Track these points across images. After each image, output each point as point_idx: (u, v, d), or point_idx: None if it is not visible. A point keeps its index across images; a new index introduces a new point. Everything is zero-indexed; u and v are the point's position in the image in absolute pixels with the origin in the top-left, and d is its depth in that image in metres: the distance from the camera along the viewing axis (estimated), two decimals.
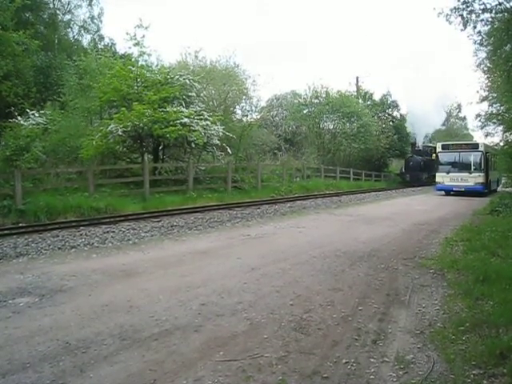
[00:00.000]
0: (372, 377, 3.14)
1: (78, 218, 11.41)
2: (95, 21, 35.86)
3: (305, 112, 32.72)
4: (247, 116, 26.74)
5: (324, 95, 33.15)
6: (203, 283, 5.37)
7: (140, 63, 19.67)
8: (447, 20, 10.29)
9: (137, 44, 18.69)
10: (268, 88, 70.32)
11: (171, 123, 15.87)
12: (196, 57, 26.27)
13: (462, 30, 10.35)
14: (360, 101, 36.34)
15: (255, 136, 24.85)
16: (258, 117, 28.96)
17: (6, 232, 9.09)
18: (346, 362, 3.33)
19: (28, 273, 5.97)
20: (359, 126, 31.54)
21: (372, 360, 3.38)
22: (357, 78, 38.61)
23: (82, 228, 9.59)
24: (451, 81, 78.23)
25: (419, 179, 31.00)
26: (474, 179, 21.55)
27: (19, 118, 18.96)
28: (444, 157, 23.02)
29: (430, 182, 28.41)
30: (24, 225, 10.36)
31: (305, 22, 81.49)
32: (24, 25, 21.65)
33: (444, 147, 23.52)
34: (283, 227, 10.18)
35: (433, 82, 57.93)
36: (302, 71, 71.68)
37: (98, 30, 36.81)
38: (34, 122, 18.44)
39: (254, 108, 28.51)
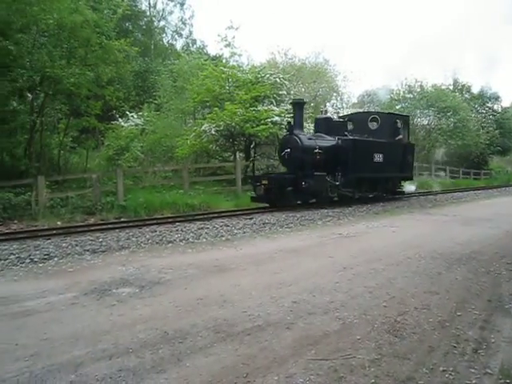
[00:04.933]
0: None
1: (173, 214, 11.98)
2: (187, 25, 37.27)
3: (397, 108, 31.62)
4: (338, 113, 26.36)
5: (418, 89, 31.80)
6: (295, 281, 5.38)
7: (231, 63, 20.15)
8: None
9: (228, 45, 19.19)
10: (360, 84, 68.91)
11: (262, 122, 16.14)
12: (285, 55, 26.40)
13: None
14: (457, 94, 34.38)
15: None
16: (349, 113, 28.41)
17: (109, 226, 9.75)
18: (444, 371, 3.16)
19: (129, 265, 6.35)
20: (456, 122, 29.89)
21: (472, 370, 3.17)
22: (453, 71, 36.57)
23: (177, 224, 10.01)
24: None
25: None
26: None
27: (120, 120, 20.27)
28: None
29: None
30: (125, 220, 11.08)
31: (396, 15, 78.57)
32: (124, 33, 23.15)
33: None
34: (376, 226, 9.91)
35: None
36: (392, 65, 69.14)
37: (190, 34, 38.30)
38: (132, 124, 19.64)
39: (344, 105, 28.12)
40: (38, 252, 7.27)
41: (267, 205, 13.21)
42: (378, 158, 15.07)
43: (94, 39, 15.49)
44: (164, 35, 37.56)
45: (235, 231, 9.34)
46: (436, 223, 10.56)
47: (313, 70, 25.25)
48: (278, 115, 16.55)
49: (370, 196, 15.64)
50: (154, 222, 10.43)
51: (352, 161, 14.05)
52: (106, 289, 5.13)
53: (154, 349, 3.48)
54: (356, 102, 32.98)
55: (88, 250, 7.45)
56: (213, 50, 37.03)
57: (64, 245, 7.81)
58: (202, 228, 9.53)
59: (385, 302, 4.57)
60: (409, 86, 31.69)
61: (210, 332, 3.81)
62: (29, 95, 15.82)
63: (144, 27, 33.36)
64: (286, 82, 19.76)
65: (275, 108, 17.36)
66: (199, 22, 68.26)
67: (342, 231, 9.23)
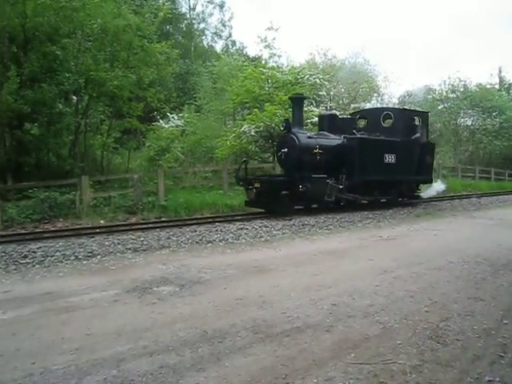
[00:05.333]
0: None
1: (213, 214, 12.09)
2: (227, 27, 37.60)
3: (440, 108, 30.85)
4: None
5: (462, 89, 30.92)
6: (334, 283, 5.34)
7: (270, 64, 20.17)
8: None
9: (267, 46, 19.22)
10: (401, 84, 67.70)
11: None
12: (325, 55, 26.24)
13: None
14: (503, 93, 33.22)
15: None
16: None
17: (150, 226, 9.93)
18: (490, 381, 3.04)
19: (169, 264, 6.46)
20: (502, 122, 28.83)
21: None
22: (499, 69, 35.38)
23: (217, 224, 10.09)
24: None
25: None
26: None
27: (161, 121, 20.65)
28: None
29: None
30: (165, 219, 11.26)
31: (441, 16, 76.71)
32: (165, 36, 23.57)
33: None
34: (417, 229, 9.70)
35: None
36: (435, 65, 67.55)
37: (230, 36, 38.59)
38: (173, 125, 19.98)
39: (385, 105, 27.65)
40: (82, 250, 7.49)
41: (262, 210, 12.10)
42: (390, 158, 13.57)
43: (136, 42, 15.87)
44: (204, 37, 38.07)
45: (274, 232, 9.34)
46: (480, 227, 10.24)
47: (352, 70, 24.97)
48: (318, 116, 16.45)
49: (382, 201, 14.29)
50: (194, 222, 10.56)
51: (359, 162, 12.81)
52: (147, 287, 5.23)
53: (193, 347, 3.52)
54: (397, 102, 32.36)
55: (130, 249, 7.62)
56: (252, 51, 37.18)
57: (107, 243, 8.03)
58: (241, 228, 9.58)
59: (426, 307, 4.46)
60: (452, 85, 30.86)
61: (249, 332, 3.83)
62: (74, 98, 16.35)
63: (184, 30, 33.89)
64: (326, 83, 19.64)
65: (315, 109, 17.28)
66: (238, 24, 68.86)
67: (382, 234, 9.09)
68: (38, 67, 14.24)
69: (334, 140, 13.02)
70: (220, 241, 8.39)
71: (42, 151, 14.80)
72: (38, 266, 6.59)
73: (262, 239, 8.66)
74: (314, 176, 11.88)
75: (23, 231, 10.11)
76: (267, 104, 16.44)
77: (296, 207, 12.29)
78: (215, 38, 38.71)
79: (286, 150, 12.26)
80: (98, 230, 9.44)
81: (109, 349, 3.50)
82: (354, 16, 69.57)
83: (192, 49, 32.81)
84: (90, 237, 8.68)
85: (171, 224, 10.15)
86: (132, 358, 3.34)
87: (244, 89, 17.71)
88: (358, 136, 13.32)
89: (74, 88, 15.13)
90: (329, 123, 13.66)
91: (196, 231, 9.25)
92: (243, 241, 8.47)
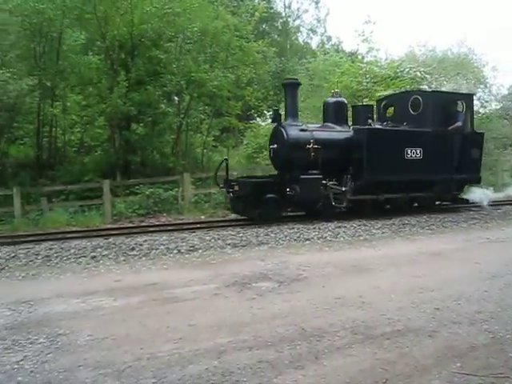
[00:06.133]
0: None
1: None
2: (322, 22, 37.23)
3: None
4: (485, 107, 24.24)
5: None
6: (437, 286, 5.06)
7: (368, 59, 19.67)
8: None
9: (365, 40, 18.74)
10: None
11: None
12: (424, 47, 25.03)
13: None
14: None
15: (494, 129, 22.37)
16: (498, 107, 26.02)
17: (248, 222, 10.09)
18: None
19: (268, 260, 6.53)
20: None
21: None
22: None
23: (315, 222, 10.00)
24: None
25: None
26: None
27: (258, 119, 20.98)
28: None
29: None
30: None
31: None
32: (261, 35, 23.88)
33: None
34: None
35: None
36: None
37: (325, 32, 38.13)
38: (270, 122, 20.16)
39: (493, 97, 25.77)
40: (184, 244, 7.81)
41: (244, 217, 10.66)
42: (414, 153, 11.20)
43: (234, 43, 16.29)
44: (299, 34, 37.97)
45: (373, 231, 9.10)
46: None
47: (456, 61, 23.52)
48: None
49: (416, 205, 12.00)
50: (292, 219, 10.54)
51: (367, 159, 10.62)
52: (247, 282, 5.33)
53: (292, 344, 3.52)
54: (507, 93, 29.91)
55: (229, 244, 7.81)
56: (348, 46, 36.51)
57: (207, 238, 8.29)
58: (339, 227, 9.43)
59: None
60: None
61: (348, 333, 3.75)
62: (176, 98, 17.15)
63: (280, 28, 34.07)
64: (427, 76, 18.72)
65: None
66: (334, 19, 67.76)
67: (490, 235, 8.47)
68: (143, 71, 15.12)
69: (340, 133, 11.01)
70: (318, 238, 8.34)
71: (147, 150, 15.68)
72: (144, 258, 6.99)
73: (361, 238, 8.48)
74: (302, 176, 10.00)
75: (130, 225, 10.83)
76: (366, 99, 16.06)
77: (292, 213, 11.06)
78: (310, 35, 38.48)
79: (275, 146, 10.57)
80: (198, 226, 9.81)
81: (210, 340, 3.61)
82: (455, 4, 65.47)
83: (288, 46, 32.91)
84: (192, 231, 9.04)
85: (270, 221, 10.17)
86: (232, 350, 3.42)
87: (341, 85, 17.45)
88: (367, 127, 11.19)
89: (176, 89, 15.85)
90: (335, 112, 11.45)
91: (294, 228, 9.24)
92: (341, 239, 8.35)
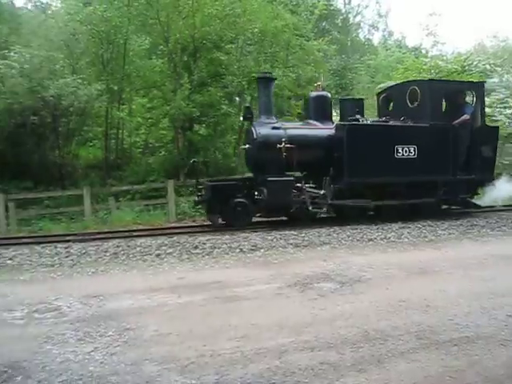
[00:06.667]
0: None
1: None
2: (383, 17, 36.41)
3: None
4: None
5: None
6: (509, 292, 4.81)
7: (433, 53, 19.02)
8: None
9: (429, 34, 18.13)
10: None
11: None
12: (495, 37, 23.83)
13: None
14: None
15: None
16: None
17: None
18: None
19: (330, 260, 6.46)
20: None
21: None
22: None
23: (378, 222, 9.80)
24: None
25: None
26: None
27: None
28: None
29: None
30: (324, 216, 11.12)
31: None
32: (321, 33, 23.65)
33: None
34: None
35: None
36: None
37: (387, 27, 37.23)
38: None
39: None
40: (246, 243, 7.88)
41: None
42: (407, 152, 9.98)
43: (294, 42, 16.22)
44: (360, 30, 37.29)
45: (439, 232, 8.80)
46: None
47: None
48: (489, 106, 14.99)
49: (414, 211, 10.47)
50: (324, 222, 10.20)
51: (348, 158, 9.57)
52: (308, 282, 5.30)
53: (354, 347, 3.46)
54: None
55: (291, 244, 7.80)
56: (412, 41, 35.43)
57: (269, 237, 8.31)
58: (403, 227, 9.20)
59: None
60: None
61: (412, 337, 3.64)
62: (237, 99, 17.32)
63: (340, 25, 33.59)
64: (498, 69, 17.81)
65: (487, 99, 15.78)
66: (396, 13, 65.85)
67: None
68: (205, 73, 15.43)
69: (320, 130, 10.09)
70: (381, 239, 8.17)
71: (210, 150, 15.95)
72: (207, 256, 7.11)
73: (426, 239, 8.22)
74: (270, 179, 9.27)
75: (194, 224, 11.05)
76: None
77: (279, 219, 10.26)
78: (372, 30, 37.73)
79: (247, 146, 9.90)
80: (261, 226, 9.79)
81: (272, 340, 3.62)
82: None
83: (348, 43, 32.42)
84: (254, 231, 9.08)
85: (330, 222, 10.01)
86: (294, 351, 3.41)
87: None
88: (347, 123, 10.11)
89: (237, 90, 16.02)
90: (317, 108, 10.51)
91: (357, 228, 9.10)
92: (405, 240, 8.13)
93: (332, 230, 8.98)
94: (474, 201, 11.31)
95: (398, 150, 9.94)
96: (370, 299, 4.60)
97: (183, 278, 5.73)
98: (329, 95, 11.03)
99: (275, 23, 15.68)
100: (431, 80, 11.69)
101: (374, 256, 6.81)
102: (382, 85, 13.19)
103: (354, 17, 36.46)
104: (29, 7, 24.04)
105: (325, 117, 10.42)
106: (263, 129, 9.66)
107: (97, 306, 4.66)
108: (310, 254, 7.06)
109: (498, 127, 11.72)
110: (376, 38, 37.95)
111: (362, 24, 37.20)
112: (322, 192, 9.60)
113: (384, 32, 37.76)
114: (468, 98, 11.11)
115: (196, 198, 10.14)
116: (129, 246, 7.79)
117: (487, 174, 10.92)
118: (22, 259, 7.15)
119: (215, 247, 7.61)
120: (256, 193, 9.36)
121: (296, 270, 5.89)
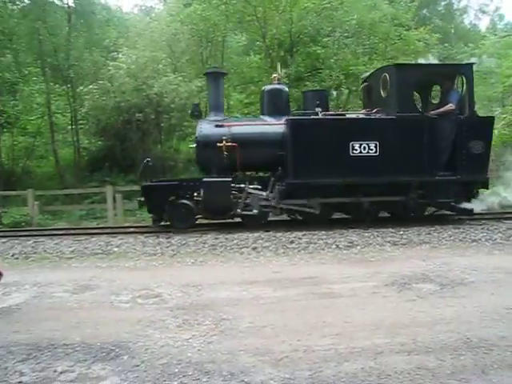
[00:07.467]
0: None
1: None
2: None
3: None
4: None
5: None
6: None
7: None
8: None
9: None
10: None
11: None
12: None
13: None
14: None
15: None
16: None
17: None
18: None
19: (430, 260, 6.22)
20: None
21: None
22: None
23: (483, 222, 9.27)
24: None
25: None
26: None
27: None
28: None
29: None
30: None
31: None
32: (422, 21, 22.52)
33: None
34: None
35: None
36: None
37: (497, 10, 34.53)
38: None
39: None
40: (342, 239, 7.82)
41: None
42: (365, 149, 8.70)
43: (393, 32, 15.67)
44: (465, 16, 34.89)
45: None
46: None
47: None
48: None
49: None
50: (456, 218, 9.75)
51: (292, 157, 8.72)
52: (406, 282, 5.15)
53: (454, 353, 3.30)
54: None
55: (389, 242, 7.63)
56: None
57: (366, 234, 8.18)
58: (511, 228, 8.57)
59: None
60: None
61: None
62: (334, 93, 17.12)
63: (443, 11, 31.71)
64: None
65: None
66: None
67: None
68: (302, 67, 15.43)
69: (268, 127, 9.27)
70: (486, 240, 7.68)
71: None
72: (302, 251, 7.17)
73: None
74: (205, 180, 8.88)
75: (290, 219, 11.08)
76: None
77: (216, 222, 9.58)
78: (479, 15, 35.16)
79: (194, 145, 9.38)
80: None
81: (367, 339, 3.57)
82: None
83: (452, 31, 30.54)
84: (350, 227, 8.93)
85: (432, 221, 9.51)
86: (389, 352, 3.34)
87: None
88: (291, 117, 9.14)
89: (334, 84, 15.84)
90: (271, 103, 9.62)
91: (459, 228, 8.65)
92: None
93: (433, 228, 8.60)
94: (464, 206, 9.31)
95: (354, 146, 8.75)
96: (473, 304, 4.35)
97: (279, 272, 5.83)
98: (285, 88, 10.08)
99: (372, 14, 15.25)
100: (399, 64, 9.75)
101: (477, 258, 6.44)
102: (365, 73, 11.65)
103: (459, 2, 34.23)
104: (135, 11, 25.62)
105: (280, 112, 9.46)
106: (206, 127, 9.27)
107: (195, 295, 4.90)
108: (409, 253, 6.84)
109: (492, 117, 9.77)
110: (483, 24, 35.33)
111: (468, 9, 34.82)
112: (264, 194, 9.03)
113: (493, 15, 35.04)
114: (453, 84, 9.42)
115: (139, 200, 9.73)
116: (226, 239, 8.06)
117: (478, 174, 9.09)
118: (128, 247, 7.74)
119: (311, 242, 7.64)
120: (195, 194, 9.02)
121: (393, 269, 5.75)
